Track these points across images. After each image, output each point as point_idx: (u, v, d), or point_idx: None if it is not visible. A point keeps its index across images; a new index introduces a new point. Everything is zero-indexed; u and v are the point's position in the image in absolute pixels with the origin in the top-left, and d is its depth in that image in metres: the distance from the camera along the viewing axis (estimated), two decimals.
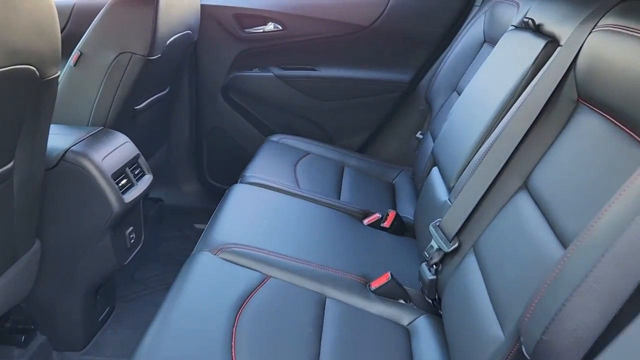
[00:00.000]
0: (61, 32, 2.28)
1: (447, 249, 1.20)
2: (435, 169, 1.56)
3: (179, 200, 2.38)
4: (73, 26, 2.11)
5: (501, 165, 1.13)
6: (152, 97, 1.92)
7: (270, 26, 2.20)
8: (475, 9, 2.09)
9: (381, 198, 1.93)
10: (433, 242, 1.26)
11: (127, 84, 1.62)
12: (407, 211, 1.85)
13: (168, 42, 1.77)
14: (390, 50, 2.20)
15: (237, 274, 1.23)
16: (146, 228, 1.78)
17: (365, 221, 1.69)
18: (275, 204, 1.65)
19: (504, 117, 1.25)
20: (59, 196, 1.43)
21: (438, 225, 1.27)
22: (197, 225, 2.34)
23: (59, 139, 1.44)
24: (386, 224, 1.68)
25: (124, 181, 1.53)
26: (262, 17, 2.19)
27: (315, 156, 2.10)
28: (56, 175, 1.41)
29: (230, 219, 1.48)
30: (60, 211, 1.45)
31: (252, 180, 1.78)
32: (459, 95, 1.86)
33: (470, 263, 1.12)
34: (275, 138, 2.13)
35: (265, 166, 1.90)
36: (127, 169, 1.57)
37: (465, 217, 1.18)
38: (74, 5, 2.16)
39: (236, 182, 1.77)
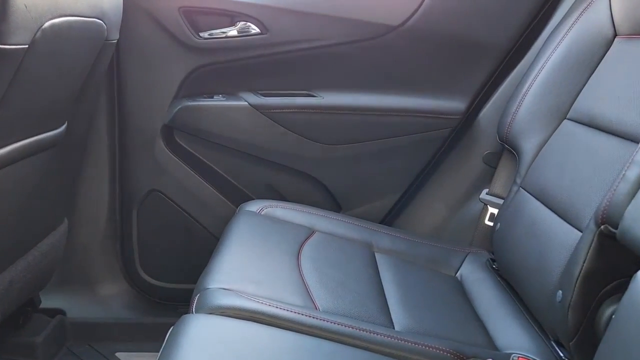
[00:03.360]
0: None
1: None
2: None
3: (92, 312, 1.68)
4: None
5: None
6: (23, 139, 1.11)
7: (240, 28, 1.56)
8: None
9: (463, 315, 1.14)
10: None
11: None
12: (508, 337, 1.07)
13: (45, 25, 0.96)
14: (434, 63, 1.57)
15: None
16: None
17: None
18: None
19: None
20: None
21: None
22: (121, 355, 1.55)
23: None
24: None
25: None
26: (227, 14, 1.54)
27: (325, 236, 1.34)
28: None
29: None
30: None
31: (221, 300, 0.95)
32: (582, 124, 1.15)
33: None
34: (253, 207, 1.43)
35: (243, 262, 1.12)
36: None
37: None
38: None
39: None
